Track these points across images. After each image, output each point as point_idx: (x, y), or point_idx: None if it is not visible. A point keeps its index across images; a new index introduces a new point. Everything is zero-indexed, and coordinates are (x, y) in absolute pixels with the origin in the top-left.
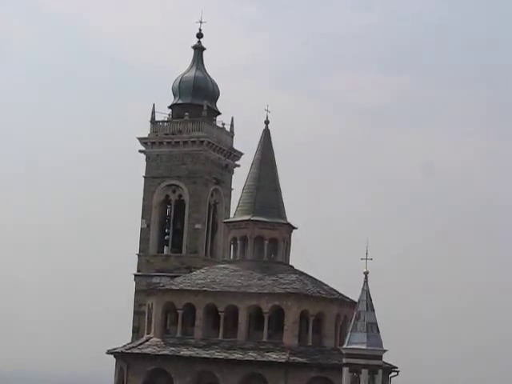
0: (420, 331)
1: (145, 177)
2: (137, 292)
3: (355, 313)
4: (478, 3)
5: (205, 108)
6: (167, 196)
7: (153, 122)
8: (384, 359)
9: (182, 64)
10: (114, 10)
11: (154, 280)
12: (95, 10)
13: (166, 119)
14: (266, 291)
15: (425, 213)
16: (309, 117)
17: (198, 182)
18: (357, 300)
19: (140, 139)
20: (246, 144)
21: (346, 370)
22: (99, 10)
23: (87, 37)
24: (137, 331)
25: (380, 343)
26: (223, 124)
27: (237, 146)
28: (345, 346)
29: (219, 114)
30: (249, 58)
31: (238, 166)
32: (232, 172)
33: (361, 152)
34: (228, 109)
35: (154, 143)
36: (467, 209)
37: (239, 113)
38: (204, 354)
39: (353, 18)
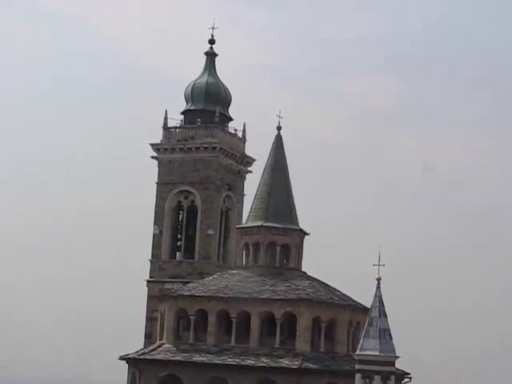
0: (433, 337)
1: (157, 183)
2: (149, 298)
3: (368, 319)
4: (478, 5)
5: (217, 114)
6: (179, 202)
7: (165, 128)
8: (397, 365)
9: (194, 70)
10: (126, 15)
11: (167, 286)
12: (106, 14)
13: (178, 125)
14: (278, 297)
15: (438, 216)
16: (313, 119)
17: (211, 188)
18: (369, 306)
19: (152, 145)
20: (258, 150)
21: (358, 376)
22: (110, 15)
23: (99, 42)
24: (149, 337)
25: (393, 349)
26: (235, 130)
27: (249, 151)
28: (357, 353)
29: (231, 119)
30: (260, 62)
31: (250, 171)
32: (244, 178)
33: (371, 155)
34: (240, 114)
35: (166, 149)
36: (476, 210)
37: (251, 118)
38: (216, 360)
39: (354, 20)
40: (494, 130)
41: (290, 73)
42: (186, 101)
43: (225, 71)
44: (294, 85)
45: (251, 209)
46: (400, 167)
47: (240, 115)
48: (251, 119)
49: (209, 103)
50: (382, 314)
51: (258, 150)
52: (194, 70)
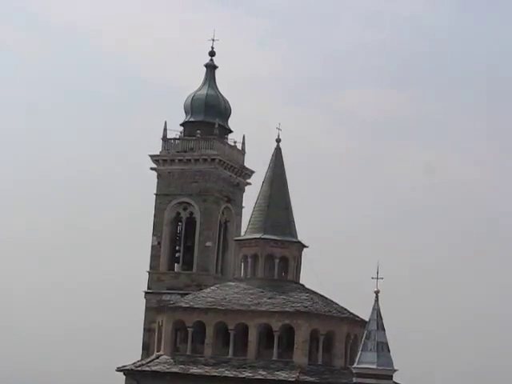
0: (431, 350)
1: (156, 194)
2: (147, 309)
3: (366, 332)
4: (480, 16)
5: (216, 126)
6: (178, 213)
7: (164, 139)
8: (394, 379)
9: (194, 82)
10: (126, 26)
11: (165, 297)
12: (106, 26)
13: (177, 137)
14: (276, 310)
15: (436, 229)
16: (313, 131)
17: (209, 199)
18: (367, 319)
19: (151, 157)
20: (258, 162)
21: None
22: (110, 26)
23: (99, 53)
24: (147, 348)
25: (390, 363)
26: (235, 142)
27: (248, 164)
28: (355, 366)
29: (231, 131)
30: (258, 74)
31: (250, 184)
32: (243, 190)
33: (371, 169)
34: (239, 127)
35: (165, 161)
36: (477, 221)
37: (251, 130)
38: (214, 372)
39: (355, 32)
40: (495, 144)
41: (290, 85)
42: (186, 112)
43: (225, 83)
44: (294, 97)
45: (250, 221)
46: (401, 180)
47: (239, 127)
48: (251, 131)
49: (208, 115)
50: (380, 327)
51: (258, 162)
52: (194, 82)
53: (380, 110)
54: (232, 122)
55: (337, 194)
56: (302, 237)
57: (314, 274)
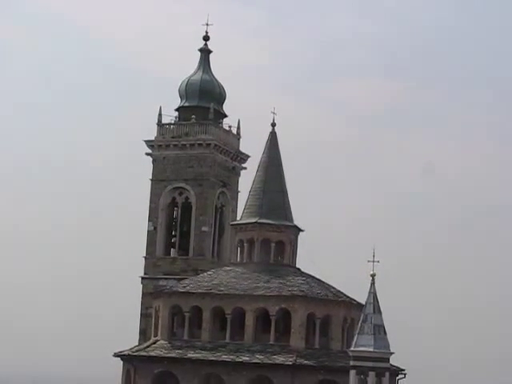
0: (427, 333)
1: (151, 179)
2: (144, 295)
3: (362, 315)
4: (478, 11)
5: (211, 110)
6: (174, 198)
7: (159, 124)
8: (391, 362)
9: (188, 66)
10: (121, 14)
11: (161, 283)
12: (103, 16)
13: (172, 122)
14: (272, 294)
15: (431, 215)
16: (313, 121)
17: (205, 184)
18: (364, 302)
19: (147, 142)
20: (253, 146)
21: (353, 372)
22: (106, 15)
23: (95, 39)
24: (144, 334)
25: (387, 346)
26: (230, 127)
27: (243, 148)
28: (352, 349)
29: (226, 116)
30: (254, 61)
31: (245, 168)
32: (239, 174)
33: (367, 155)
34: (234, 111)
35: (160, 146)
36: (476, 209)
37: (246, 115)
38: (211, 356)
39: (354, 24)
40: (494, 132)
41: (287, 72)
42: (181, 97)
43: (220, 68)
44: (291, 84)
45: (246, 205)
46: (399, 167)
47: (234, 112)
48: (246, 116)
49: (203, 100)
50: (377, 310)
51: (253, 146)
52: (189, 67)
53: (379, 100)
54: (227, 107)
55: (335, 179)
56: (297, 221)
57: (310, 258)
